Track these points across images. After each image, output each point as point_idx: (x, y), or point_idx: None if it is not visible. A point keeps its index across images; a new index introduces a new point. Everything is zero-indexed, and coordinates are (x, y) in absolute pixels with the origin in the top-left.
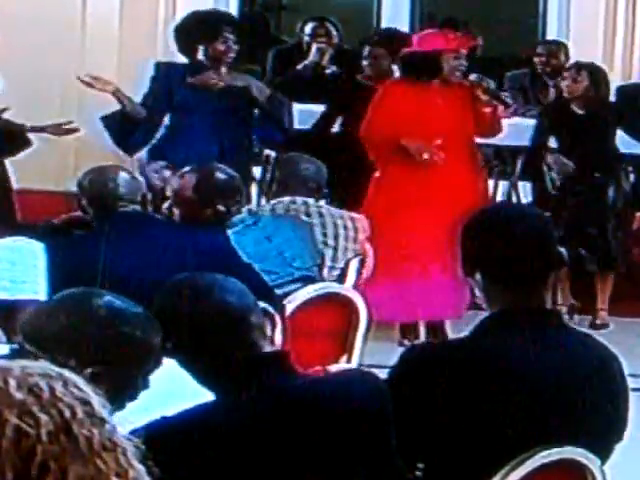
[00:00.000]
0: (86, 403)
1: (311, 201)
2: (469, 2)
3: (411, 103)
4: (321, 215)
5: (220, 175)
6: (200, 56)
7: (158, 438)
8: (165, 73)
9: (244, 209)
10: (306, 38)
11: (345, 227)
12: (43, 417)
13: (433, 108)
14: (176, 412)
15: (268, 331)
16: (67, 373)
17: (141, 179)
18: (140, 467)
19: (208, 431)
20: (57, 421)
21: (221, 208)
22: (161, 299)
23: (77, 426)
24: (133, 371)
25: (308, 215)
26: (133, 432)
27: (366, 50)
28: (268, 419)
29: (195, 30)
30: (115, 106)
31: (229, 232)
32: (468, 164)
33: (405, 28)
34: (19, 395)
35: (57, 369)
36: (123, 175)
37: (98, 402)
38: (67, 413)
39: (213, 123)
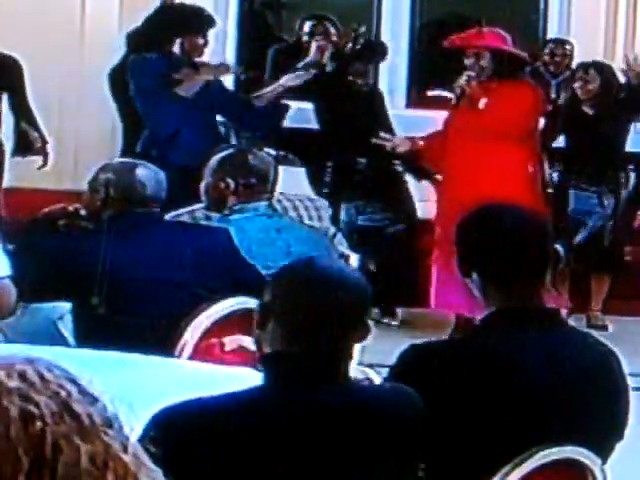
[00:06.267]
0: (76, 383)
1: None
2: (470, 0)
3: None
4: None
5: (239, 152)
6: (175, 49)
7: (198, 416)
8: (148, 67)
9: (263, 202)
10: (305, 36)
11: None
12: (43, 400)
13: (467, 106)
14: (218, 394)
15: None
16: (45, 358)
17: (162, 175)
18: (135, 442)
19: (246, 414)
20: (57, 402)
21: (229, 182)
22: (277, 284)
23: (76, 405)
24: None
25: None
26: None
27: (355, 67)
28: (309, 419)
29: (178, 22)
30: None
31: (237, 217)
32: (494, 161)
33: (405, 27)
34: (13, 383)
35: (34, 355)
36: (149, 175)
37: (86, 382)
38: (63, 393)
39: (203, 119)
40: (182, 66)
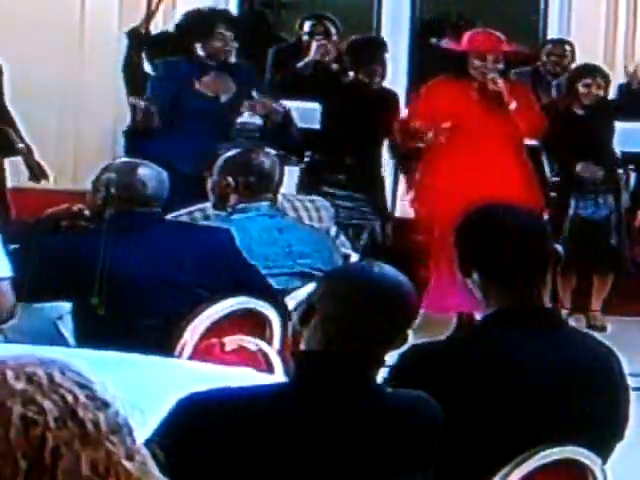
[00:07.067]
0: (86, 387)
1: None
2: (470, 0)
3: (446, 100)
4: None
5: (244, 152)
6: (199, 53)
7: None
8: (169, 74)
9: (265, 202)
10: (305, 36)
11: (307, 208)
12: (47, 404)
13: (467, 105)
14: (246, 385)
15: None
16: (62, 359)
17: (165, 175)
18: (145, 450)
19: (270, 410)
20: (61, 407)
21: (230, 180)
22: (328, 285)
23: (82, 410)
24: None
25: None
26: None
27: (369, 69)
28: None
29: (190, 28)
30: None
31: (239, 216)
32: (508, 163)
33: (405, 27)
34: (19, 385)
35: (51, 357)
36: (151, 174)
37: (99, 386)
38: (70, 398)
39: (210, 128)
40: (207, 73)
